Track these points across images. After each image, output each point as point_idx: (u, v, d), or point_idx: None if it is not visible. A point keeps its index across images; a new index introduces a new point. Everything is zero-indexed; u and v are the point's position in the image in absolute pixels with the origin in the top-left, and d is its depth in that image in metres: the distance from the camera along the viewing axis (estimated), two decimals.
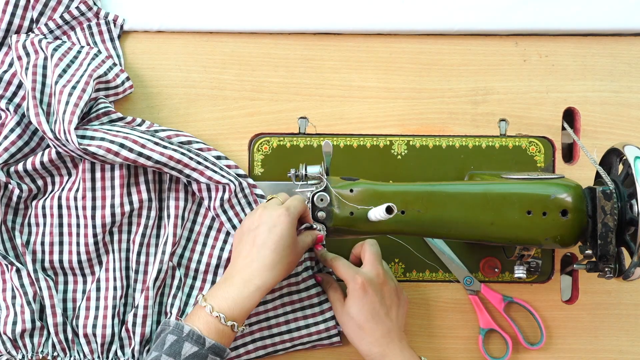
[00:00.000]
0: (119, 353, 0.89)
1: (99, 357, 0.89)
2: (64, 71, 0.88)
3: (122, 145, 0.84)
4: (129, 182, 0.89)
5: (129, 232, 0.91)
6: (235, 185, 0.88)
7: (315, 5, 0.95)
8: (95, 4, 0.94)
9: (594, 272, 0.81)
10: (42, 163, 0.88)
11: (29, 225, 0.92)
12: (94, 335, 0.89)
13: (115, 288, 0.90)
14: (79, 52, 0.91)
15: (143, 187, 0.90)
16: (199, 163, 0.87)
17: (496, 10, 0.95)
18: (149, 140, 0.86)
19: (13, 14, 0.92)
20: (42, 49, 0.89)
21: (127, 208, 0.89)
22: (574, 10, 0.95)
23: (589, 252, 0.79)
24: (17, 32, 0.92)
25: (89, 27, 0.93)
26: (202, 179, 0.87)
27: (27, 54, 0.90)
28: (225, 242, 0.92)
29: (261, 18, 0.95)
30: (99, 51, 0.92)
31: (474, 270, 0.94)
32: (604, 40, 0.96)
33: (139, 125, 0.91)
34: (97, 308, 0.90)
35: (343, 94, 0.95)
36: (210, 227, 0.92)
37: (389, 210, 0.74)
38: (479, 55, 0.96)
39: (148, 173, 0.90)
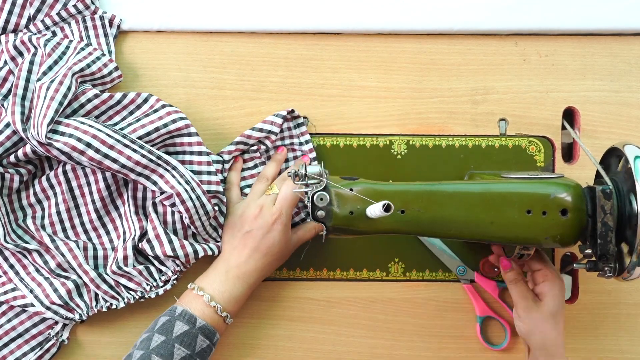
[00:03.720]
0: (163, 269, 0.90)
1: (147, 283, 0.89)
2: (50, 68, 0.88)
3: (88, 145, 0.83)
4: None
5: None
6: (192, 207, 0.86)
7: (315, 5, 0.95)
8: (93, 2, 0.94)
9: (594, 271, 0.81)
10: (33, 151, 0.88)
11: (39, 202, 0.92)
12: (127, 272, 0.88)
13: (134, 230, 0.90)
14: (67, 47, 0.91)
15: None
16: (166, 170, 0.86)
17: (496, 10, 0.95)
18: (118, 141, 0.84)
19: (10, 12, 0.92)
20: (33, 45, 0.90)
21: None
22: (574, 10, 0.95)
23: (588, 251, 0.79)
24: (14, 30, 0.93)
25: (84, 20, 0.93)
26: (165, 187, 0.86)
27: (20, 53, 0.90)
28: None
29: (261, 18, 0.95)
30: (87, 44, 0.92)
31: (474, 270, 0.94)
32: (604, 40, 0.96)
33: (145, 101, 0.90)
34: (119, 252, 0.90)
35: (343, 93, 0.96)
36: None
37: (386, 208, 0.74)
38: (479, 55, 0.96)
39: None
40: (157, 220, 0.88)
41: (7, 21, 0.92)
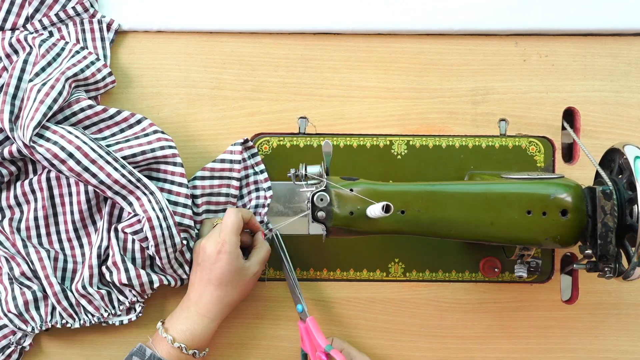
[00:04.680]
0: (121, 298, 0.90)
1: (105, 310, 0.89)
2: (43, 69, 0.88)
3: (70, 155, 0.83)
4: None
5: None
6: (160, 235, 0.86)
7: (315, 5, 0.95)
8: (92, 5, 0.94)
9: (594, 272, 0.81)
10: (19, 151, 0.87)
11: (19, 205, 0.91)
12: (90, 294, 0.88)
13: (99, 247, 0.89)
14: (62, 49, 0.91)
15: None
16: (144, 194, 0.86)
17: (496, 10, 0.95)
18: (101, 157, 0.84)
19: (8, 11, 0.92)
20: (29, 45, 0.90)
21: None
22: (574, 10, 0.95)
23: (588, 252, 0.79)
24: (12, 29, 0.92)
25: (82, 23, 0.93)
26: (139, 210, 0.86)
27: (16, 51, 0.90)
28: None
29: (261, 18, 0.95)
30: (82, 48, 0.92)
31: (474, 270, 0.94)
32: (604, 40, 0.96)
33: (138, 122, 0.91)
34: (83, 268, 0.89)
35: (343, 94, 0.95)
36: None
37: (386, 209, 0.74)
38: (479, 55, 0.96)
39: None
40: (116, 246, 0.88)
41: (4, 20, 0.92)
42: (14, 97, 0.86)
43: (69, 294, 0.89)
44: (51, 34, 0.93)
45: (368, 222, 0.81)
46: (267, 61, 0.96)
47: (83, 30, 0.94)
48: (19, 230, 0.90)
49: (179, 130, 0.94)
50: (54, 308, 0.89)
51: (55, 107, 0.85)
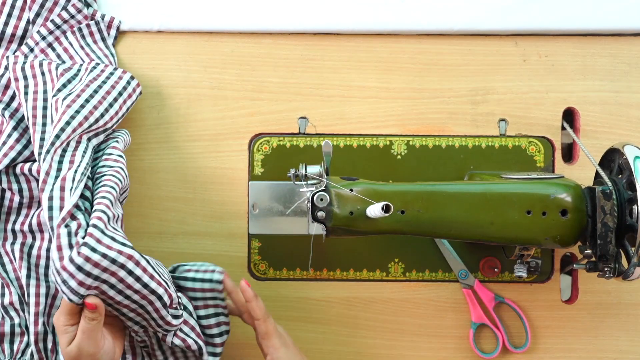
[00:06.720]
0: None
1: None
2: (64, 86, 0.85)
3: (123, 266, 0.74)
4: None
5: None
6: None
7: (315, 5, 0.95)
8: (90, 5, 0.94)
9: (594, 272, 0.81)
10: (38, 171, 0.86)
11: (32, 232, 0.89)
12: None
13: None
14: (79, 70, 0.89)
15: None
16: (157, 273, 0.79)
17: (496, 10, 0.95)
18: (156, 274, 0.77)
19: (10, 15, 0.92)
20: (42, 72, 0.87)
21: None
22: (574, 10, 0.95)
23: (588, 251, 0.79)
24: (13, 33, 0.92)
25: (80, 29, 0.93)
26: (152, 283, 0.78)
27: (25, 77, 0.87)
28: None
29: (261, 18, 0.95)
30: (97, 64, 0.90)
31: (474, 270, 0.94)
32: (604, 40, 0.96)
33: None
34: None
35: (343, 94, 0.96)
36: None
37: (386, 209, 0.74)
38: (479, 55, 0.96)
39: None
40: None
41: (6, 23, 0.92)
42: (44, 125, 0.84)
43: (49, 337, 0.86)
44: (50, 46, 0.92)
45: (368, 222, 0.81)
46: (267, 61, 0.96)
47: (83, 36, 0.93)
48: (29, 255, 0.88)
49: (179, 130, 0.95)
50: (27, 346, 0.87)
51: (84, 112, 0.82)
